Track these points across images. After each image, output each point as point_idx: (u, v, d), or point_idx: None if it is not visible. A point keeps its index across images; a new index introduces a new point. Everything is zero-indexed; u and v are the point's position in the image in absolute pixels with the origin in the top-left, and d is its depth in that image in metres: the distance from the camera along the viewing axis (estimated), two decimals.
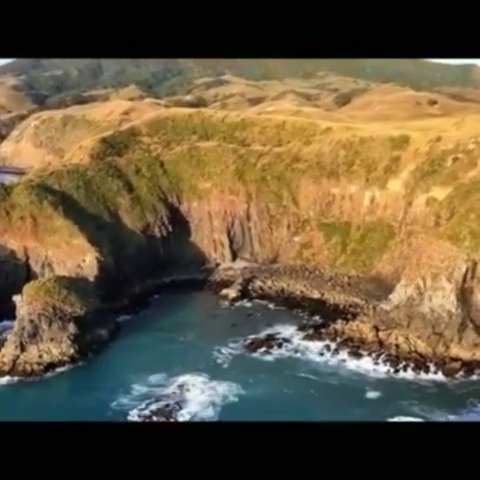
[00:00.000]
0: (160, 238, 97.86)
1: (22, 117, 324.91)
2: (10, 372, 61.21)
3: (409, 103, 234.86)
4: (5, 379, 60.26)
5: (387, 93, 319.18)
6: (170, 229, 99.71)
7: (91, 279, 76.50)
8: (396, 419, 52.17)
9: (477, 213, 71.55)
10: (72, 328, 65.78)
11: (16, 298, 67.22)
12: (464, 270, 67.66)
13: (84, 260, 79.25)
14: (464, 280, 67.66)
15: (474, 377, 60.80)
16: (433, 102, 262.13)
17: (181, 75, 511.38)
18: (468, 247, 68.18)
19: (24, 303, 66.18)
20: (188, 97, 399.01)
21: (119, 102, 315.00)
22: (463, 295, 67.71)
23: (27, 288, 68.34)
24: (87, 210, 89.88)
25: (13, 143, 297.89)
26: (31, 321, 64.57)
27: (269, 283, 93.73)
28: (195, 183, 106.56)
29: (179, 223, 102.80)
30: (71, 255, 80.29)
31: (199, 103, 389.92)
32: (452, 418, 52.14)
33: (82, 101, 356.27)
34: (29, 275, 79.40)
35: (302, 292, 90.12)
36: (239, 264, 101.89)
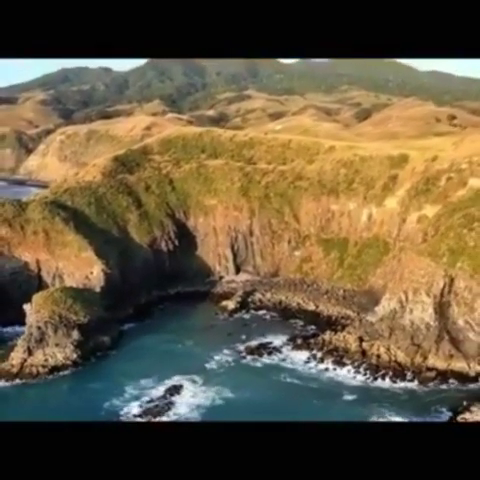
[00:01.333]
0: (166, 252, 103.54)
1: (49, 131, 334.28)
2: (18, 374, 67.14)
3: (424, 120, 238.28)
4: (8, 382, 66.18)
5: (407, 108, 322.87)
6: (176, 243, 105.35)
7: (97, 290, 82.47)
8: (369, 420, 56.73)
9: (456, 231, 75.91)
10: (76, 335, 71.63)
11: (26, 306, 73.34)
12: (442, 285, 72.01)
13: (92, 272, 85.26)
14: (442, 294, 71.97)
15: (443, 386, 65.00)
16: (452, 117, 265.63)
17: (205, 90, 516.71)
18: (446, 263, 72.55)
19: (33, 311, 72.31)
20: (210, 112, 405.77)
21: (141, 118, 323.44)
22: (441, 308, 72.00)
23: (36, 297, 74.51)
24: (97, 225, 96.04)
25: (39, 157, 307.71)
26: (38, 328, 70.63)
27: (268, 295, 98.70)
28: (202, 199, 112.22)
29: (186, 237, 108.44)
30: (80, 267, 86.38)
31: (221, 118, 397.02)
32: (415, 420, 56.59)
33: (107, 116, 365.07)
34: (41, 285, 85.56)
35: (298, 304, 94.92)
36: (242, 277, 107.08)
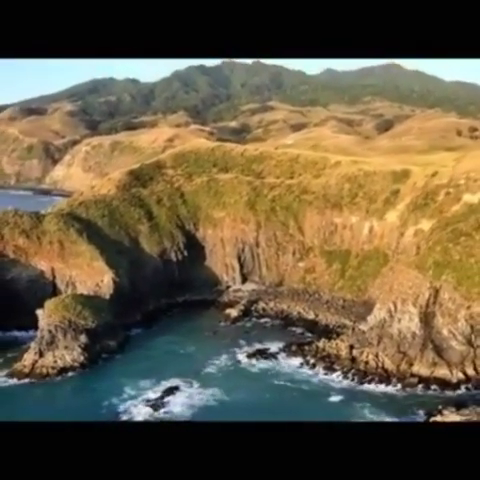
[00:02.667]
0: (176, 261, 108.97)
1: (75, 142, 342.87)
2: (29, 374, 72.94)
3: (441, 133, 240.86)
4: (20, 381, 72.17)
5: (428, 119, 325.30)
6: (186, 253, 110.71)
7: (106, 297, 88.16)
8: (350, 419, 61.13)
9: (443, 245, 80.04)
10: (83, 338, 77.26)
11: (39, 312, 79.23)
12: (427, 296, 76.15)
13: (102, 280, 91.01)
14: (427, 305, 76.08)
15: (423, 391, 69.18)
16: (474, 129, 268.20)
17: (229, 101, 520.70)
18: (431, 275, 76.71)
19: (45, 316, 78.19)
20: (233, 123, 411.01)
21: (164, 129, 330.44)
22: (426, 318, 76.09)
23: (48, 303, 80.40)
24: (109, 236, 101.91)
25: (65, 167, 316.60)
26: (49, 331, 76.45)
27: (271, 304, 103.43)
28: (211, 212, 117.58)
29: (195, 248, 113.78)
30: (91, 276, 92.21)
31: (243, 129, 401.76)
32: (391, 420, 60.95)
33: (132, 127, 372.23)
34: (55, 292, 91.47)
35: (299, 313, 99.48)
36: (248, 286, 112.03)
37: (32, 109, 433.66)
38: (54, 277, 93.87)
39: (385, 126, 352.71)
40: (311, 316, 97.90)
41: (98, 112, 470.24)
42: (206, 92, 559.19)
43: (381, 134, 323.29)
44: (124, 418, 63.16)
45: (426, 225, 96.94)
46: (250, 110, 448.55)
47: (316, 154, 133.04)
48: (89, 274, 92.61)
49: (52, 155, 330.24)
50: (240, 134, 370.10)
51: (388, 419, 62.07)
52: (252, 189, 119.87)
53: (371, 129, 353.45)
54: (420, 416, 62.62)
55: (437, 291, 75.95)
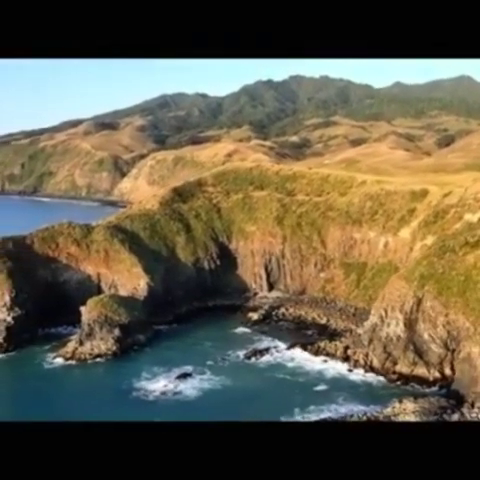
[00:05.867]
0: (208, 270, 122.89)
1: (142, 156, 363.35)
2: (71, 358, 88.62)
3: None
4: (64, 362, 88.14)
5: None
6: (218, 263, 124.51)
7: (141, 298, 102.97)
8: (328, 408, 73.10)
9: (429, 259, 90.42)
10: (117, 332, 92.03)
11: (82, 308, 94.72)
12: (411, 304, 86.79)
13: (139, 284, 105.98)
14: (411, 312, 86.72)
15: (394, 384, 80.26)
16: None
17: (294, 115, 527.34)
18: (415, 286, 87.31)
19: (86, 312, 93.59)
20: (294, 138, 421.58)
21: (225, 144, 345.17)
22: (410, 323, 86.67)
23: (90, 301, 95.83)
24: (149, 246, 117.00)
25: (132, 180, 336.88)
26: (89, 325, 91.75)
27: (291, 310, 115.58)
28: (244, 226, 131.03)
29: (227, 258, 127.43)
30: (130, 280, 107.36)
31: (304, 144, 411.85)
32: (365, 408, 72.21)
33: (197, 141, 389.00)
34: (99, 293, 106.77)
35: (313, 318, 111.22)
36: (273, 294, 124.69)
37: (105, 124, 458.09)
38: (99, 280, 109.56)
39: (446, 141, 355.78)
40: (323, 321, 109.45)
41: (167, 126, 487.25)
42: (272, 106, 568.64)
43: (441, 149, 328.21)
44: (139, 394, 77.59)
45: (430, 241, 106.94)
46: (313, 125, 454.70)
47: (345, 174, 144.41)
48: (128, 278, 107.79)
49: (121, 168, 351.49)
50: (300, 149, 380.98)
51: (361, 407, 73.34)
52: (282, 206, 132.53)
53: (432, 144, 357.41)
54: (383, 404, 73.44)
55: (420, 300, 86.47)
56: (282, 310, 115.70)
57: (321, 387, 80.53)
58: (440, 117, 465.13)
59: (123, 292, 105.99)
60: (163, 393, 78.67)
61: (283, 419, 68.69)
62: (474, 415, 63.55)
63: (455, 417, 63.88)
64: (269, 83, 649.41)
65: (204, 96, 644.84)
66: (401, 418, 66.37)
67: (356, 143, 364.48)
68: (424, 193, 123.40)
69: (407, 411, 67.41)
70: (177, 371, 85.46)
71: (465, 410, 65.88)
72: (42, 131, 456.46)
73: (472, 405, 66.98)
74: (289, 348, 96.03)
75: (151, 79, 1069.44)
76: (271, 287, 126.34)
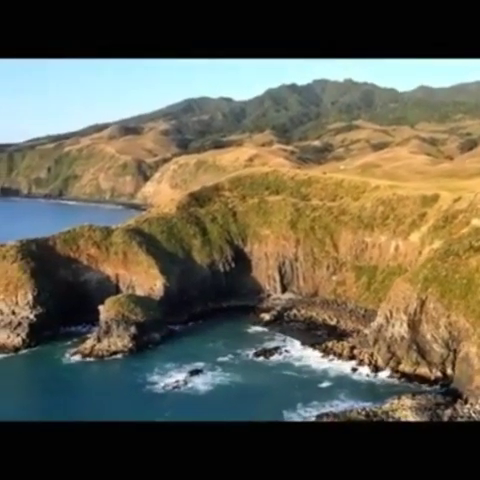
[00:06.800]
0: (223, 272, 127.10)
1: (165, 160, 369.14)
2: (89, 354, 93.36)
3: None
4: (82, 358, 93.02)
5: None
6: (233, 265, 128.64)
7: (157, 298, 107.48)
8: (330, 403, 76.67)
9: (432, 263, 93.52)
10: (133, 330, 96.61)
11: (100, 307, 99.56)
12: (415, 306, 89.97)
13: (155, 285, 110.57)
14: (415, 313, 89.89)
15: (397, 383, 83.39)
16: None
17: (317, 119, 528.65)
18: (419, 288, 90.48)
19: (104, 310, 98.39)
20: (316, 142, 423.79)
21: (246, 149, 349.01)
22: (414, 324, 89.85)
23: (108, 301, 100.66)
24: (166, 249, 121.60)
25: (155, 184, 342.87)
26: (106, 323, 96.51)
27: (302, 311, 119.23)
28: (258, 230, 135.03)
29: (242, 261, 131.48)
30: (147, 280, 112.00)
31: (325, 148, 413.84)
32: (365, 404, 75.61)
33: (219, 146, 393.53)
34: (118, 293, 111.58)
35: (324, 319, 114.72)
36: (286, 296, 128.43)
37: (129, 128, 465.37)
38: (118, 281, 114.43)
39: (469, 145, 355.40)
40: (333, 322, 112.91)
41: (191, 131, 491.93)
42: (296, 110, 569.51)
43: (463, 153, 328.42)
44: (152, 387, 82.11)
45: (437, 245, 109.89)
46: (335, 129, 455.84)
47: (359, 179, 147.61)
48: (145, 279, 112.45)
49: (144, 172, 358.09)
50: (322, 153, 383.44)
51: (361, 403, 76.76)
52: (296, 210, 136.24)
53: (454, 148, 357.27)
54: (383, 401, 76.63)
55: (423, 302, 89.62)
56: (294, 311, 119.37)
57: (325, 384, 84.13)
58: (464, 121, 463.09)
59: (140, 292, 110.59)
60: (175, 387, 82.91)
61: (286, 413, 72.56)
62: (466, 411, 66.60)
63: (448, 412, 66.92)
64: (293, 87, 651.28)
65: (228, 100, 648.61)
66: (398, 413, 69.71)
67: (378, 147, 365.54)
68: (435, 198, 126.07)
69: (404, 407, 70.68)
70: (189, 367, 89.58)
71: (458, 406, 68.94)
72: (68, 135, 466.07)
73: (465, 401, 70.04)
74: (297, 348, 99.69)
75: (177, 83, 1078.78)
76: (284, 289, 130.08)
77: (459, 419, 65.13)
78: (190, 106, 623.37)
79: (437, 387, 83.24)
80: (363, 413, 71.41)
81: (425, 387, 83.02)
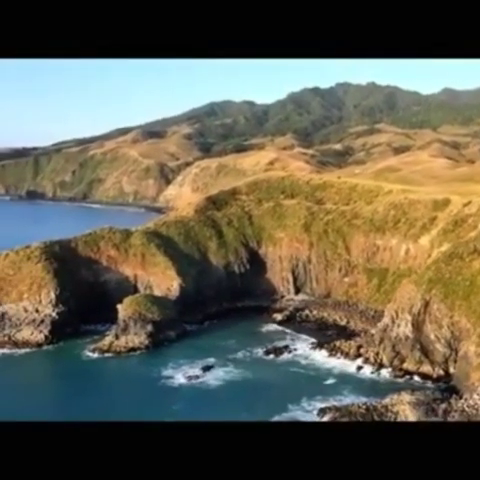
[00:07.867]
0: (238, 273, 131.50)
1: (187, 164, 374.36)
2: (107, 351, 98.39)
3: None
4: (101, 354, 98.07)
5: None
6: (248, 267, 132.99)
7: (173, 298, 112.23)
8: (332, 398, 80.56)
9: (437, 265, 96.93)
10: (149, 328, 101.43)
11: (118, 306, 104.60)
12: (419, 306, 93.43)
13: (172, 285, 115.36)
14: (419, 314, 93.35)
15: (400, 380, 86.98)
16: None
17: (339, 123, 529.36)
18: (423, 289, 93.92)
19: (122, 309, 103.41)
20: (337, 146, 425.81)
21: (267, 152, 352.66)
22: (418, 324, 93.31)
23: (126, 300, 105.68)
24: (183, 251, 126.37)
25: (177, 187, 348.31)
26: (124, 321, 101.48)
27: (314, 312, 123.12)
28: (273, 233, 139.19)
29: (257, 263, 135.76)
30: (164, 281, 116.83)
31: (346, 152, 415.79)
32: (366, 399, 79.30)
33: (241, 149, 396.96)
34: (136, 293, 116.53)
35: (334, 320, 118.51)
36: (300, 297, 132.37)
37: (152, 132, 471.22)
38: (136, 281, 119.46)
39: None
40: (343, 322, 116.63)
41: (213, 134, 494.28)
42: (318, 114, 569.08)
43: None
44: (166, 381, 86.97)
45: (445, 248, 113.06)
46: (356, 132, 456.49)
47: (372, 183, 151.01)
48: (163, 280, 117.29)
49: (166, 176, 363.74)
50: (343, 157, 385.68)
51: (363, 398, 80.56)
52: (310, 213, 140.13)
53: (477, 152, 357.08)
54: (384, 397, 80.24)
55: (427, 302, 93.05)
56: (306, 312, 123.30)
57: (330, 381, 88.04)
58: None
59: (157, 292, 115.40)
60: (188, 381, 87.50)
61: (290, 406, 76.68)
62: (460, 405, 70.04)
63: (443, 406, 70.43)
64: (315, 90, 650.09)
65: (251, 104, 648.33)
66: (396, 407, 73.36)
67: (399, 151, 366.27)
68: (446, 202, 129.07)
69: (403, 401, 74.28)
70: (202, 363, 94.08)
71: (452, 401, 72.38)
72: (92, 139, 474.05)
73: (460, 396, 73.46)
74: (307, 346, 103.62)
75: (201, 86, 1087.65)
76: (298, 290, 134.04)
77: (453, 413, 68.55)
78: (213, 109, 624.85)
79: (438, 384, 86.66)
80: (364, 407, 75.16)
81: (426, 384, 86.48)
